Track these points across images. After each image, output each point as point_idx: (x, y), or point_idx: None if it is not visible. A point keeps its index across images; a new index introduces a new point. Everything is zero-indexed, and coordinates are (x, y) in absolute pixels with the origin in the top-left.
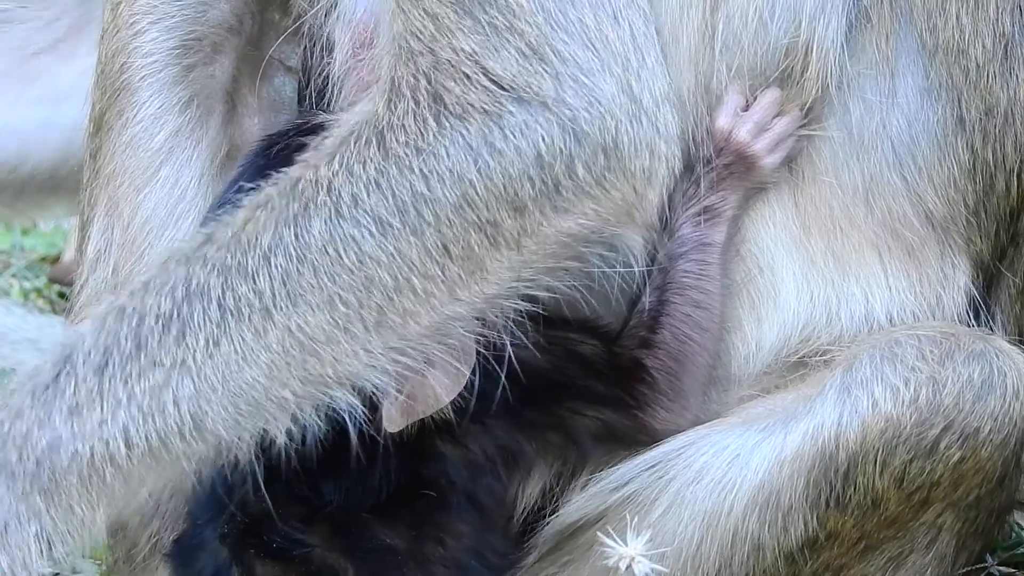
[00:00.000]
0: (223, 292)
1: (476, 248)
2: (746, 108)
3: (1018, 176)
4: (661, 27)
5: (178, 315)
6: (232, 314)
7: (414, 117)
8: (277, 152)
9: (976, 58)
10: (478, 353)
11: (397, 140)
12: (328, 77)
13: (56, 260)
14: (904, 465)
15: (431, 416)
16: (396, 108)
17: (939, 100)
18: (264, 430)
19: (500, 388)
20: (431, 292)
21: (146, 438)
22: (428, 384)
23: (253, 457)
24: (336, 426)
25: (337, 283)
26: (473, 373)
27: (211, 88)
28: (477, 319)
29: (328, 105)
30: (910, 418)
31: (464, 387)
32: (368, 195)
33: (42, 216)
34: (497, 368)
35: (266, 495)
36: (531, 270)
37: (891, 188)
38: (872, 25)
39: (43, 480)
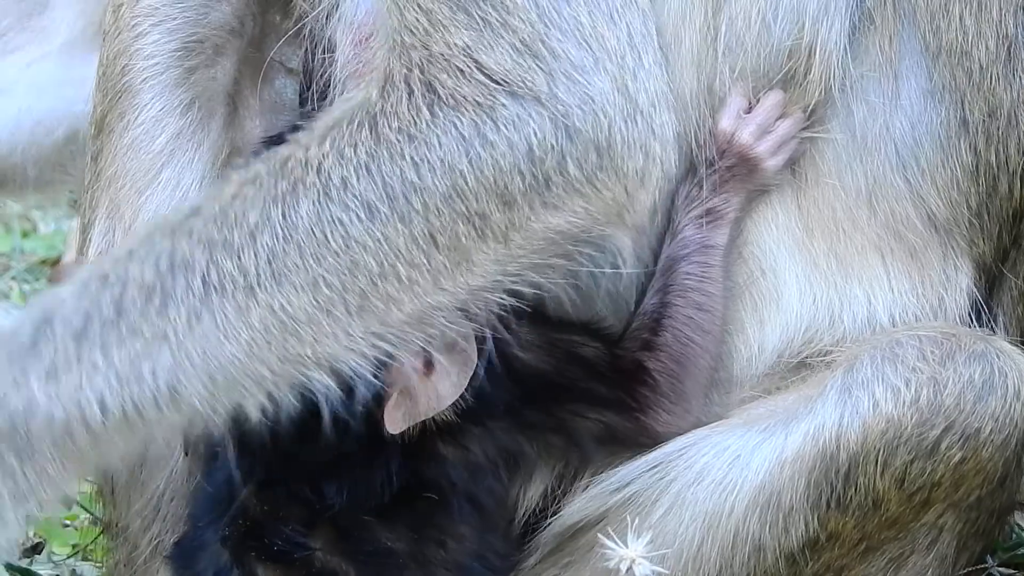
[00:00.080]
0: (207, 267)
1: (463, 239)
2: (749, 110)
3: (1021, 178)
4: (663, 29)
5: (161, 286)
6: (215, 289)
7: (407, 105)
8: None
9: (979, 60)
10: (479, 355)
11: (390, 126)
12: (329, 79)
13: (56, 263)
14: (905, 466)
15: (432, 418)
16: (389, 96)
17: (942, 102)
18: (239, 405)
19: (501, 390)
20: (415, 280)
21: (121, 406)
22: (430, 386)
23: (237, 446)
24: (339, 425)
25: (322, 265)
26: (474, 375)
27: (213, 90)
28: (460, 310)
29: (330, 107)
30: (911, 419)
31: (465, 389)
32: (357, 179)
33: None
34: (498, 370)
35: (267, 498)
36: (517, 264)
37: (894, 190)
38: (875, 27)
39: (18, 442)
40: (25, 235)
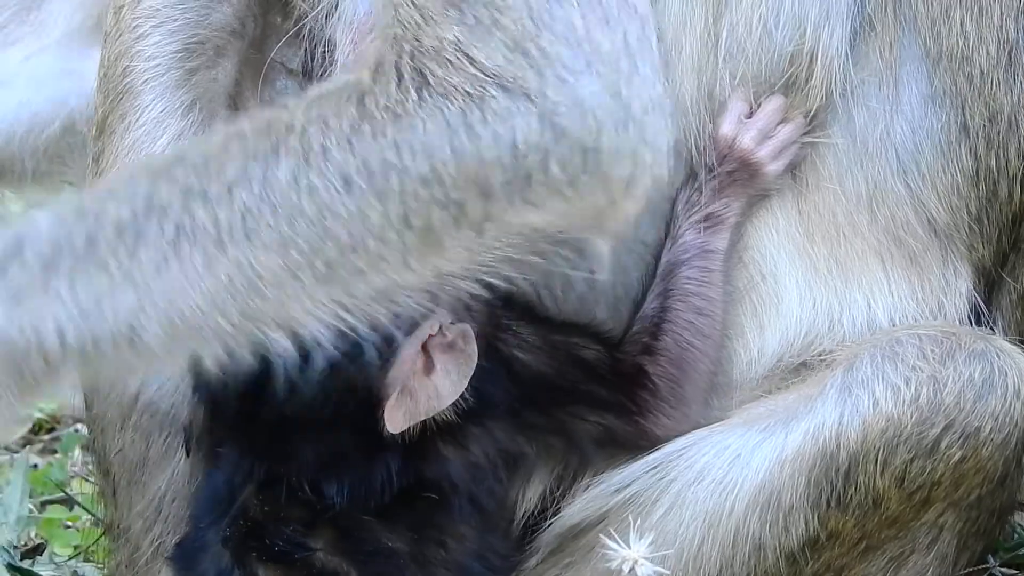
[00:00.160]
0: (182, 214)
1: (437, 224)
2: (750, 115)
3: (1021, 183)
4: (663, 34)
5: (135, 228)
6: (187, 238)
7: (396, 87)
8: None
9: (980, 65)
10: (479, 355)
11: (376, 104)
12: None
13: None
14: (905, 464)
15: (433, 418)
16: (379, 79)
17: (943, 107)
18: (197, 355)
19: (502, 390)
20: (384, 257)
21: (79, 340)
22: (430, 385)
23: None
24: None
25: (294, 229)
26: (475, 375)
27: (214, 91)
28: (428, 292)
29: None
30: (911, 417)
31: (466, 388)
32: (338, 150)
33: None
34: (498, 370)
35: (268, 498)
36: (490, 256)
37: (894, 195)
38: (876, 33)
39: None
40: None
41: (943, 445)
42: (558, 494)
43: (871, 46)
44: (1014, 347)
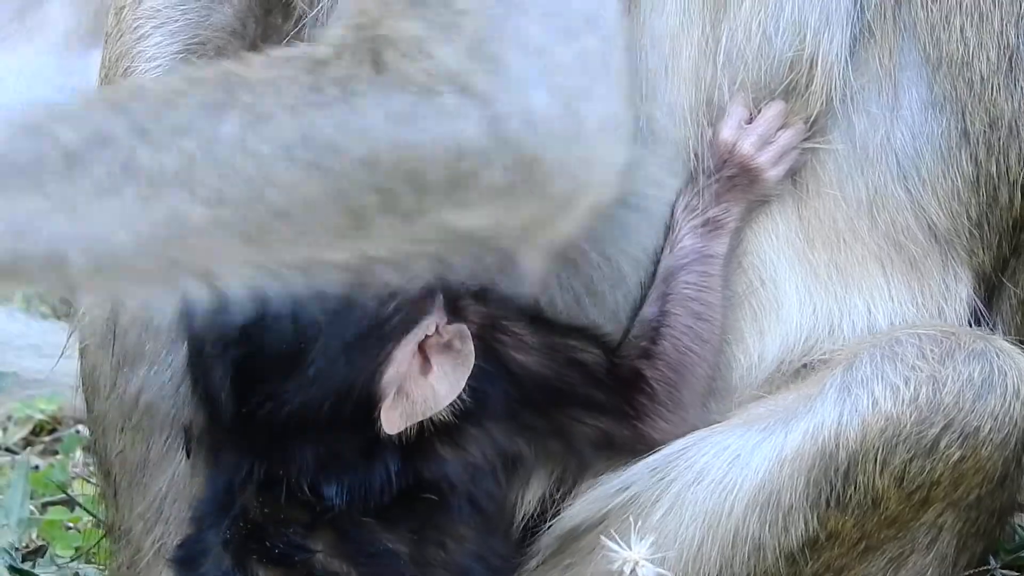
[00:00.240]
0: (129, 153)
1: (368, 209)
2: (750, 121)
3: (1022, 188)
4: (660, 41)
5: (81, 155)
6: (128, 176)
7: (352, 67)
8: None
9: (980, 71)
10: (477, 355)
11: (330, 79)
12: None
13: None
14: (904, 464)
15: (430, 419)
16: (338, 57)
17: (943, 113)
18: (117, 290)
19: (500, 391)
20: (312, 231)
21: (4, 255)
22: (427, 385)
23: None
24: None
25: (230, 187)
26: (472, 376)
27: None
28: (352, 272)
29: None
30: (910, 417)
31: (463, 389)
32: (285, 118)
33: None
34: (496, 371)
35: (267, 500)
36: (418, 248)
37: (895, 200)
38: (875, 39)
39: None
40: None
41: (942, 445)
42: (558, 496)
43: (871, 52)
44: (1014, 347)
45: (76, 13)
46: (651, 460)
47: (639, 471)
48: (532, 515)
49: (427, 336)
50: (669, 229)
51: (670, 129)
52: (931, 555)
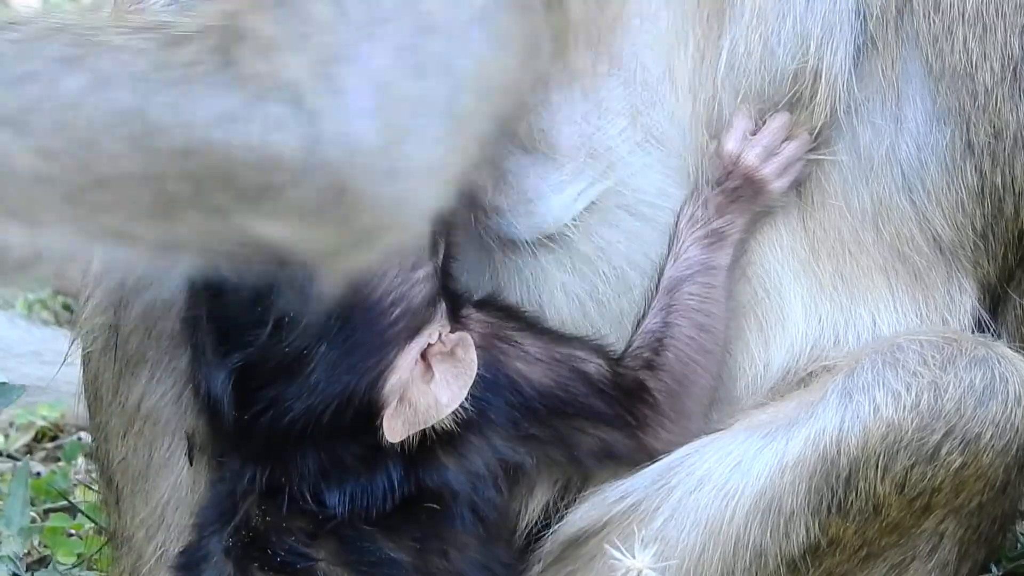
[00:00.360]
0: None
1: (178, 197)
2: (755, 132)
3: None
4: (657, 51)
5: None
6: None
7: (201, 54)
8: None
9: (984, 82)
10: (480, 364)
11: (176, 60)
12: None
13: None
14: (905, 470)
15: (432, 427)
16: (194, 39)
17: (947, 124)
18: None
19: (502, 401)
20: (123, 206)
21: None
22: (429, 394)
23: None
24: None
25: (60, 141)
26: (475, 384)
27: None
28: (160, 253)
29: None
30: (911, 423)
31: (466, 398)
32: (124, 87)
33: None
34: (499, 380)
35: (270, 508)
36: (221, 247)
37: (900, 212)
38: (878, 50)
39: None
40: None
41: (943, 451)
42: (561, 505)
43: (874, 63)
44: (1015, 354)
45: None
46: (652, 467)
47: (640, 478)
48: (536, 523)
49: (430, 344)
50: (673, 239)
51: (674, 139)
52: (932, 562)
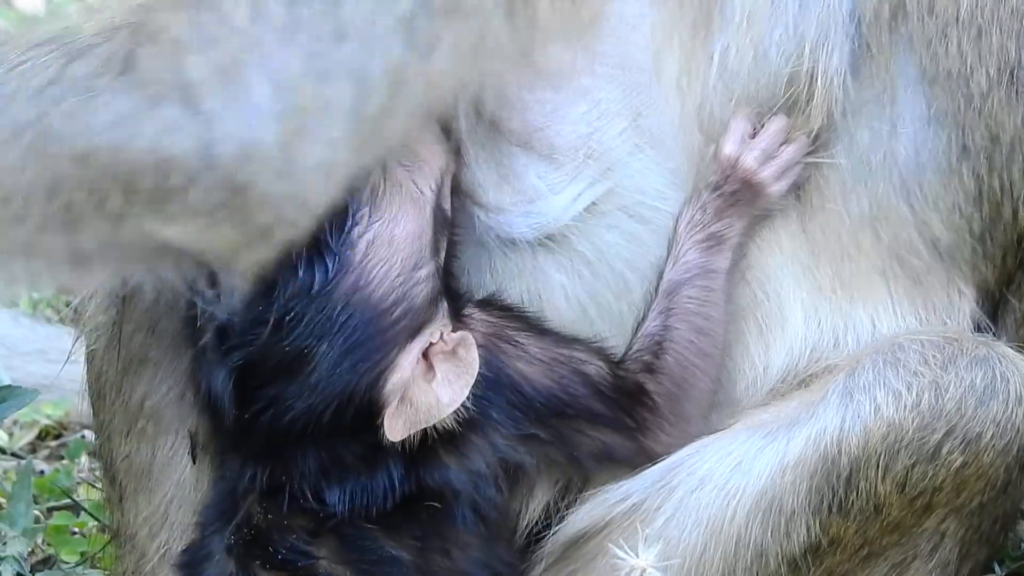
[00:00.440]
0: None
1: (77, 205)
2: (753, 135)
3: None
4: (648, 59)
5: None
6: None
7: (100, 65)
8: None
9: (980, 85)
10: (481, 364)
11: (75, 73)
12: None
13: None
14: (906, 470)
15: (433, 426)
16: (95, 46)
17: (943, 127)
18: None
19: (503, 400)
20: (29, 218)
21: None
22: (430, 393)
23: None
24: None
25: None
26: (476, 384)
27: None
28: (72, 263)
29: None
30: (912, 423)
31: (467, 397)
32: (23, 101)
33: None
34: (500, 380)
35: (271, 506)
36: (124, 252)
37: (898, 215)
38: (872, 54)
39: None
40: None
41: (944, 451)
42: (562, 505)
43: (870, 67)
44: (1016, 353)
45: None
46: (653, 467)
47: (641, 478)
48: (537, 523)
49: (431, 343)
50: (672, 242)
51: (672, 142)
52: (933, 561)
